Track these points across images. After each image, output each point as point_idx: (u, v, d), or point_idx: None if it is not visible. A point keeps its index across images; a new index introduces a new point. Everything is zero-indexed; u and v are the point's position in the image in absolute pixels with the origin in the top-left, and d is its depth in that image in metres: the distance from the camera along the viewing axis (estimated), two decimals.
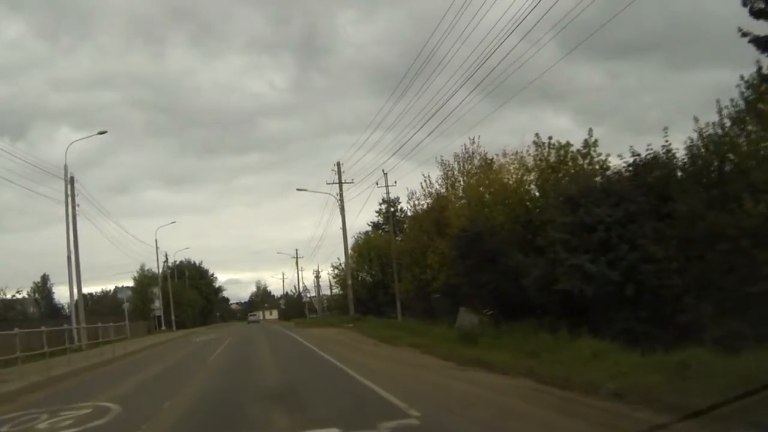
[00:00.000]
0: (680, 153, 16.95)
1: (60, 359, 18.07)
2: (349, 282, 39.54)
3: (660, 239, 14.86)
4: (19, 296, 63.04)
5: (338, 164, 37.36)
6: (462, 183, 36.44)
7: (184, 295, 72.35)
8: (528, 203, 25.26)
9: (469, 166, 36.74)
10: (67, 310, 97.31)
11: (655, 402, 6.81)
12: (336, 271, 57.36)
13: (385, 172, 41.75)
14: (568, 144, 25.44)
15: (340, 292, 60.70)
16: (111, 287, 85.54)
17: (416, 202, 39.40)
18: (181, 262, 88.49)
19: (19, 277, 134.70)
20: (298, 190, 44.36)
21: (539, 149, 25.88)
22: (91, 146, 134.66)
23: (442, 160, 35.61)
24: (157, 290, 59.22)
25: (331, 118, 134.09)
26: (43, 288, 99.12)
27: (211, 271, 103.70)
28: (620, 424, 6.52)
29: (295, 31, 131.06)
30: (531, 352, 11.92)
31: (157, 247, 60.96)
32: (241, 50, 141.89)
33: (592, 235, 15.38)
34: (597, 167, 24.40)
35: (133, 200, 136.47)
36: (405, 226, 47.22)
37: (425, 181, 37.65)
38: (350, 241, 55.86)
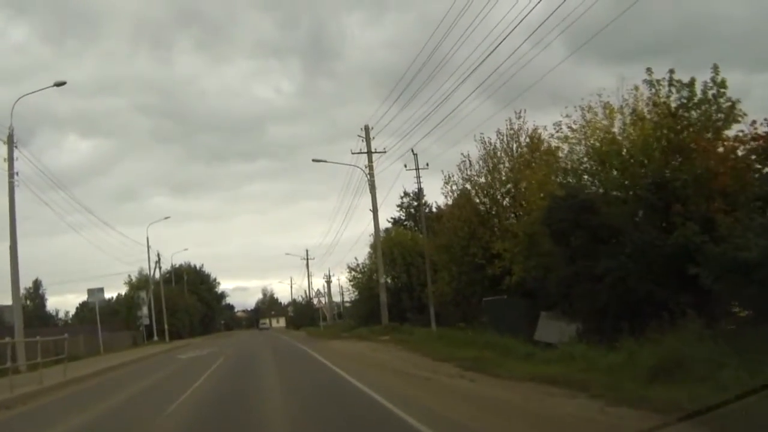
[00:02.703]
0: None
1: None
2: (382, 280, 31.88)
3: None
4: None
5: (366, 128, 29.63)
6: (507, 164, 30.47)
7: (180, 301, 64.43)
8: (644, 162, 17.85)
9: (515, 144, 30.75)
10: (60, 318, 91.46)
11: None
12: (353, 273, 49.66)
13: (414, 152, 34.42)
14: (694, 81, 18.06)
15: (357, 296, 53.15)
16: (112, 295, 78.38)
17: (453, 188, 32.32)
18: (180, 265, 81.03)
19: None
20: (314, 161, 36.28)
21: (654, 90, 18.51)
22: (97, 154, 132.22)
23: (482, 137, 29.41)
24: (144, 295, 51.00)
25: (339, 124, 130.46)
26: (35, 294, 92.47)
27: (213, 276, 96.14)
28: None
29: (303, 35, 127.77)
30: None
31: (148, 246, 53.27)
32: (248, 54, 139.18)
33: None
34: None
35: (139, 207, 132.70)
36: (437, 219, 40.16)
37: (464, 162, 30.71)
38: (370, 239, 48.77)
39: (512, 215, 29.84)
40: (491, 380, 10.77)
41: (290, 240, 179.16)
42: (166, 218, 54.51)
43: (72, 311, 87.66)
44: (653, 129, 18.22)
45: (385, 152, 29.67)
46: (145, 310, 49.12)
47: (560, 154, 20.81)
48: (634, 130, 19.03)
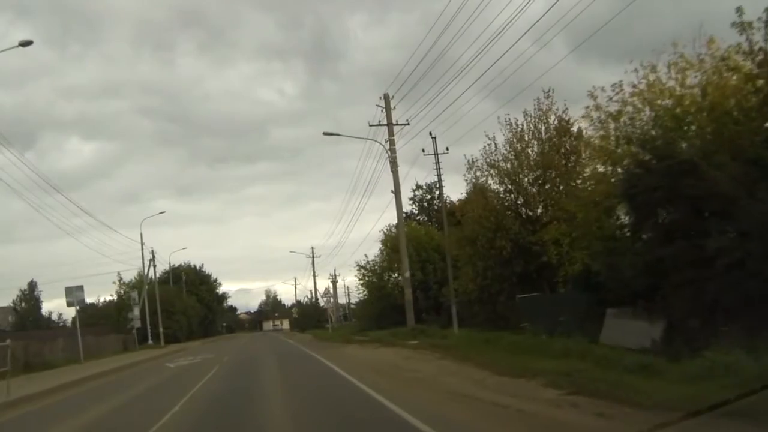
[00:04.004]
0: None
1: None
2: (407, 274, 28.25)
3: None
4: None
5: (386, 97, 25.69)
6: (535, 148, 27.12)
7: (177, 302, 60.62)
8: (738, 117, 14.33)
9: (543, 126, 27.58)
10: (53, 320, 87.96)
11: None
12: (362, 272, 46.08)
13: (433, 135, 30.86)
14: None
15: (365, 297, 49.58)
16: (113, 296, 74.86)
17: (477, 173, 28.86)
18: (179, 265, 77.47)
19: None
20: (325, 134, 31.60)
21: (745, 34, 14.99)
22: (100, 157, 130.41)
23: (507, 119, 26.04)
24: (135, 295, 46.80)
25: (343, 125, 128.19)
26: (30, 296, 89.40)
27: (213, 276, 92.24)
28: None
29: (306, 37, 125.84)
30: None
31: (142, 243, 49.72)
32: (251, 57, 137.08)
33: None
34: None
35: (142, 210, 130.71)
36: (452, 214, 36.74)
37: (488, 145, 27.27)
38: (380, 236, 45.28)
39: (541, 203, 26.84)
40: (634, 414, 6.53)
41: (293, 242, 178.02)
42: (161, 213, 51.04)
43: (73, 314, 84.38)
44: (745, 80, 14.87)
45: (407, 124, 25.83)
46: (136, 311, 45.06)
47: (624, 120, 17.27)
48: (715, 89, 15.60)
